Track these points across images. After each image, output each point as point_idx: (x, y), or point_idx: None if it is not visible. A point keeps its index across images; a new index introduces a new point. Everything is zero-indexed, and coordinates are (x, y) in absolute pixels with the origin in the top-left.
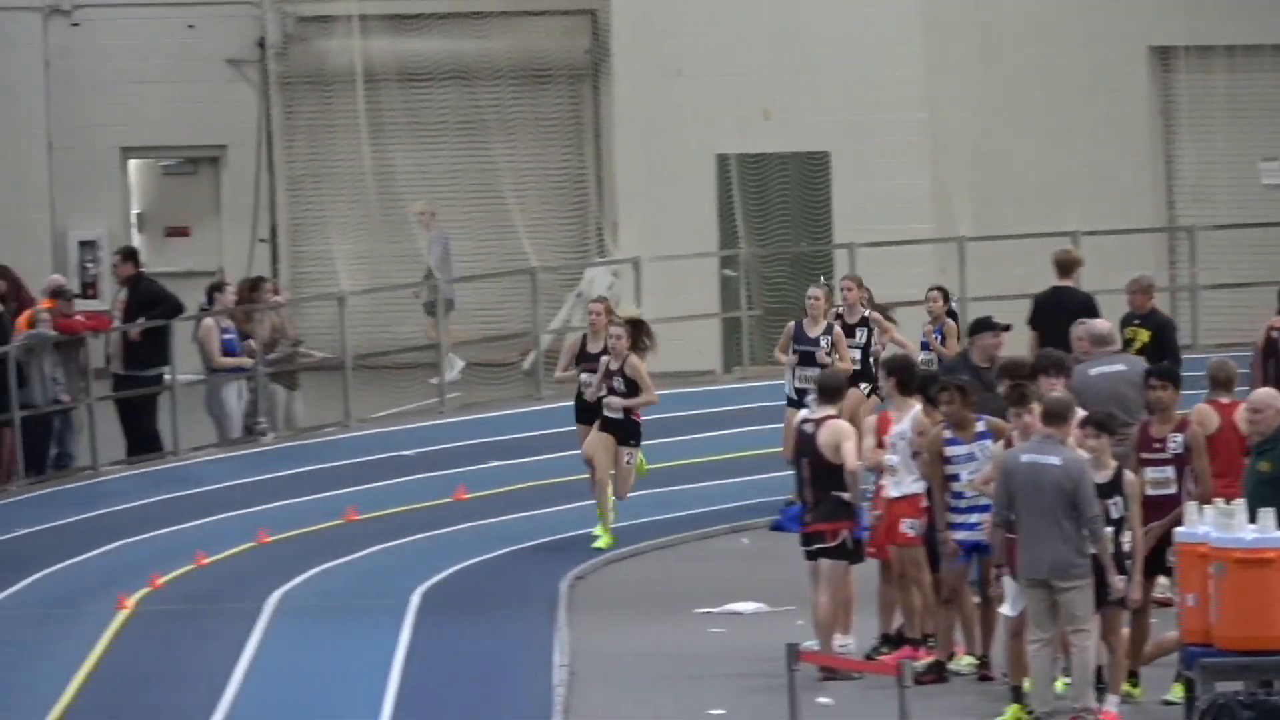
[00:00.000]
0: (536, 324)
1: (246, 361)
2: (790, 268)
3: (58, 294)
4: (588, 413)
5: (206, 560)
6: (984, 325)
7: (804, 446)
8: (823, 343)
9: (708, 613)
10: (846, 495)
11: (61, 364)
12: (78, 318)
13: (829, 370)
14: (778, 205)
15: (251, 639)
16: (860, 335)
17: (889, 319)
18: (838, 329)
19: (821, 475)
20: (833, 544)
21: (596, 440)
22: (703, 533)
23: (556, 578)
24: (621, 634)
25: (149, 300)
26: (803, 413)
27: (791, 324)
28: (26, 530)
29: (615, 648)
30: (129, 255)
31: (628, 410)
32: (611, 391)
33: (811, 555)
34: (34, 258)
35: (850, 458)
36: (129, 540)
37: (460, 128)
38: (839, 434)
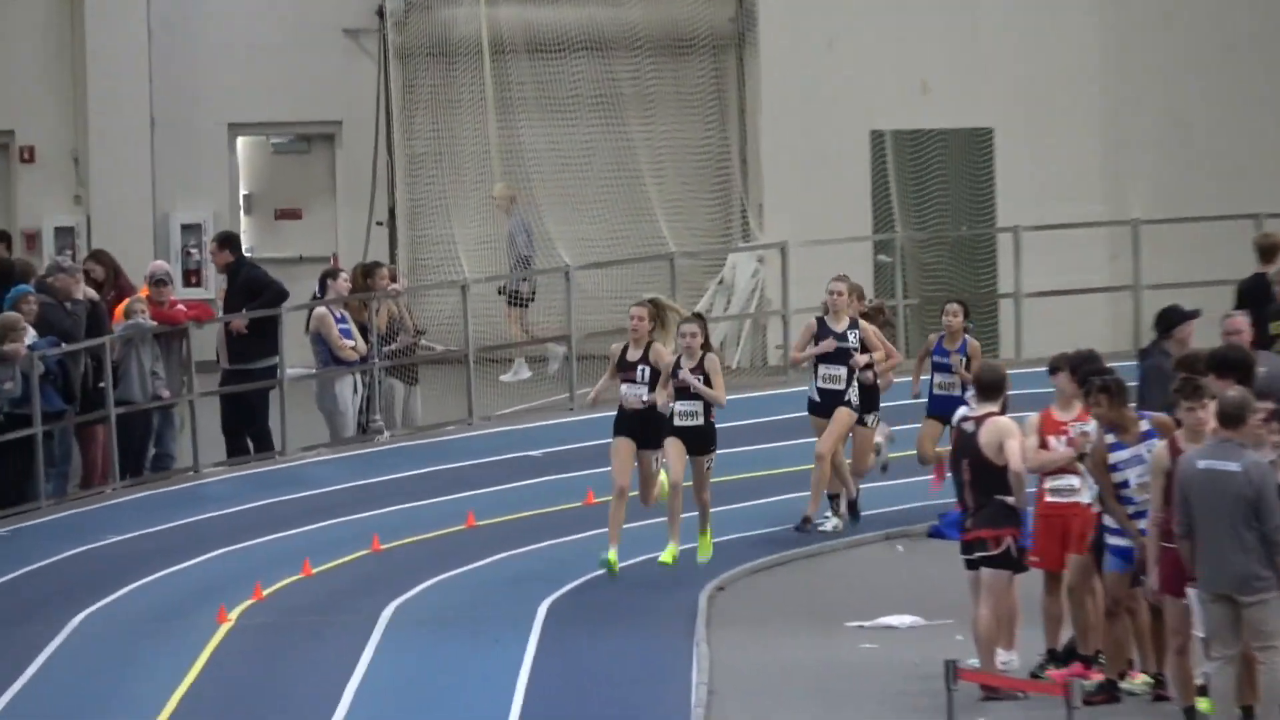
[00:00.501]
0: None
1: (363, 351)
2: (950, 253)
3: (158, 282)
4: (628, 424)
5: (314, 570)
6: (1179, 315)
7: (963, 446)
8: (850, 338)
9: (859, 626)
10: (1010, 499)
11: (162, 357)
12: (178, 307)
13: (989, 364)
14: (937, 185)
15: (363, 655)
16: (850, 341)
17: (887, 325)
18: (864, 323)
19: (983, 477)
20: (995, 552)
21: (673, 449)
22: (853, 540)
23: (696, 588)
24: (765, 649)
25: (251, 288)
26: (961, 410)
27: (813, 320)
28: (121, 537)
29: (758, 664)
30: (226, 241)
31: (706, 409)
32: (689, 395)
33: (972, 564)
34: (134, 243)
35: (1015, 458)
36: (231, 548)
37: (594, 103)
38: (1002, 432)
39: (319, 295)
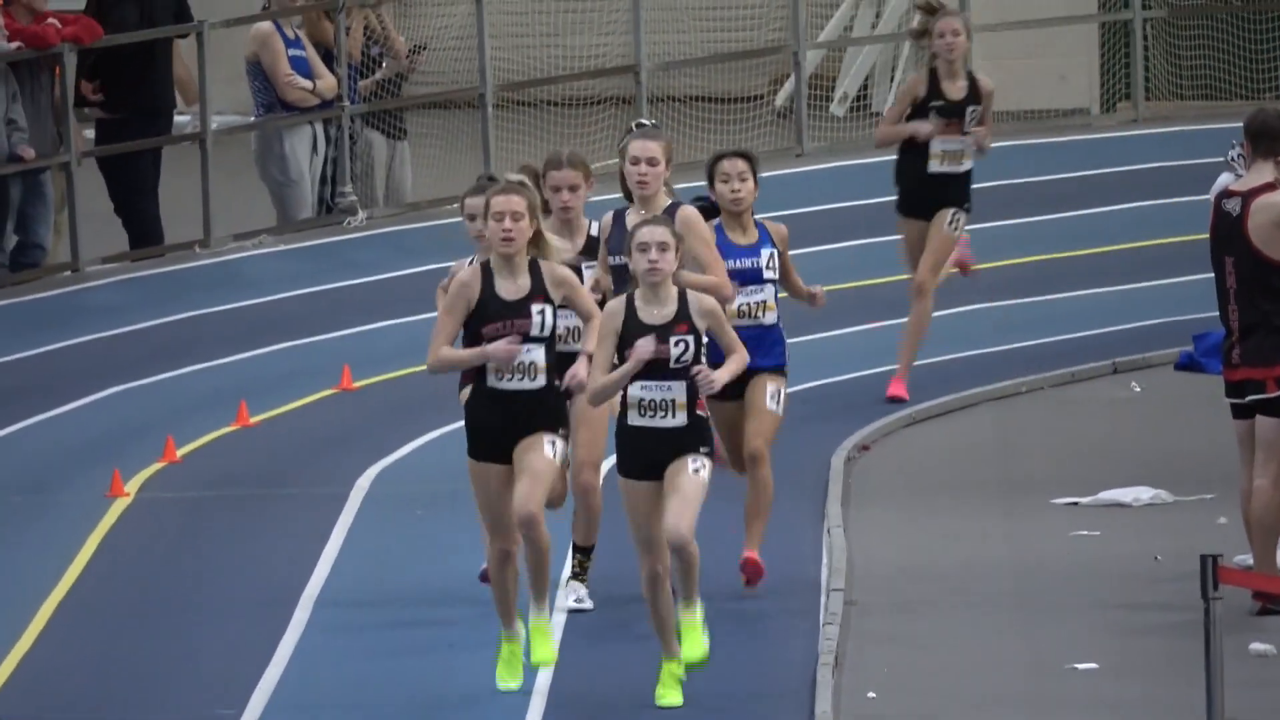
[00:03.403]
0: (798, 32)
1: (327, 91)
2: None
3: None
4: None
5: (254, 418)
6: None
7: (1225, 236)
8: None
9: (1072, 504)
10: None
11: (23, 99)
12: (50, 22)
13: (1264, 110)
14: None
15: (326, 549)
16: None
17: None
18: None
19: (1255, 284)
20: (1277, 394)
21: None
22: (1064, 374)
23: (826, 447)
24: (928, 538)
25: None
26: (1221, 180)
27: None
28: None
29: (918, 560)
30: None
31: None
32: None
33: (1243, 411)
34: None
35: None
36: (129, 384)
37: None
38: None
39: (268, 5)
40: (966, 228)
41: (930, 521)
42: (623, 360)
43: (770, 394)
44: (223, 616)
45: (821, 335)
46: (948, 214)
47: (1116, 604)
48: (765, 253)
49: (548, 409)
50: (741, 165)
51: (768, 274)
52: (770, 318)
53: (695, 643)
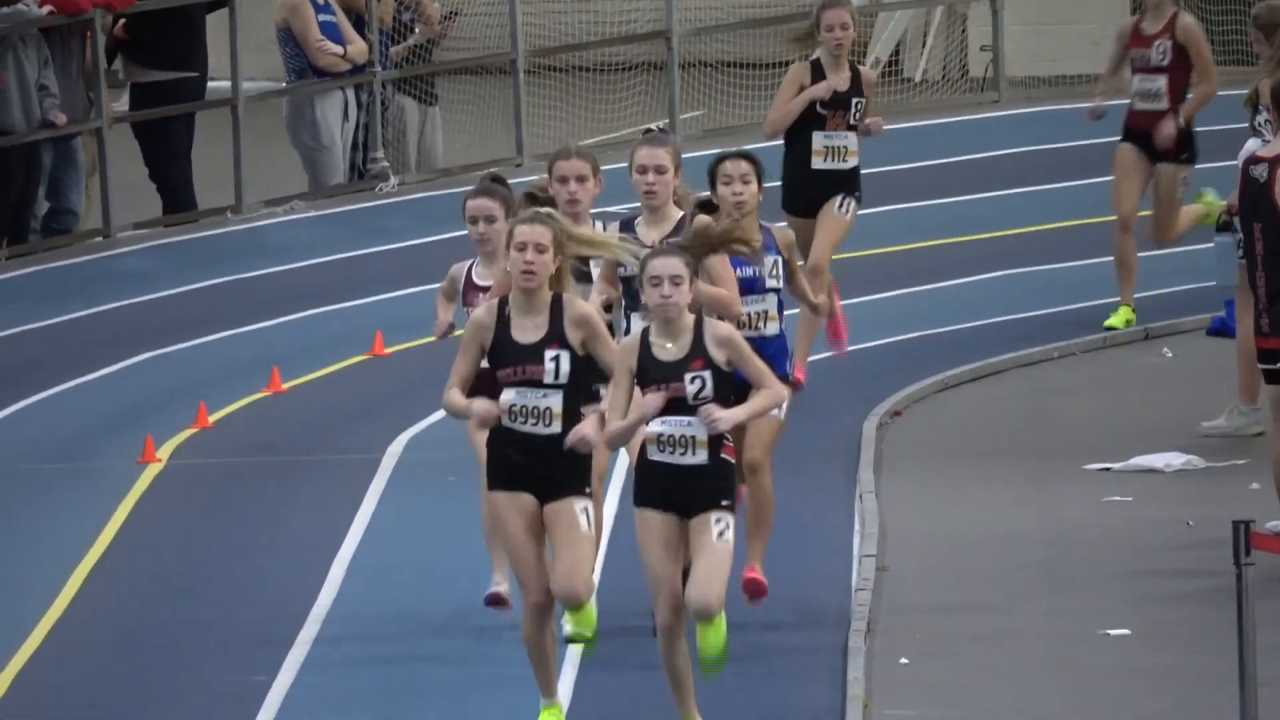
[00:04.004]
0: None
1: (358, 56)
2: None
3: None
4: None
5: (286, 384)
6: None
7: (1252, 202)
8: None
9: (1104, 469)
10: None
11: (55, 64)
12: None
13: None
14: None
15: (358, 517)
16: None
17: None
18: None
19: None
20: None
21: None
22: (1095, 340)
23: (858, 413)
24: (959, 504)
25: None
26: (1249, 146)
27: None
28: None
29: (948, 527)
30: None
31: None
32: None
33: (1276, 376)
34: None
35: None
36: (161, 351)
37: None
38: None
39: None
40: (839, 304)
41: (962, 487)
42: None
43: None
44: (256, 582)
45: (852, 301)
46: (837, 199)
47: (1148, 570)
48: (768, 260)
49: (571, 456)
50: (745, 167)
51: (770, 282)
52: (773, 328)
53: (715, 634)
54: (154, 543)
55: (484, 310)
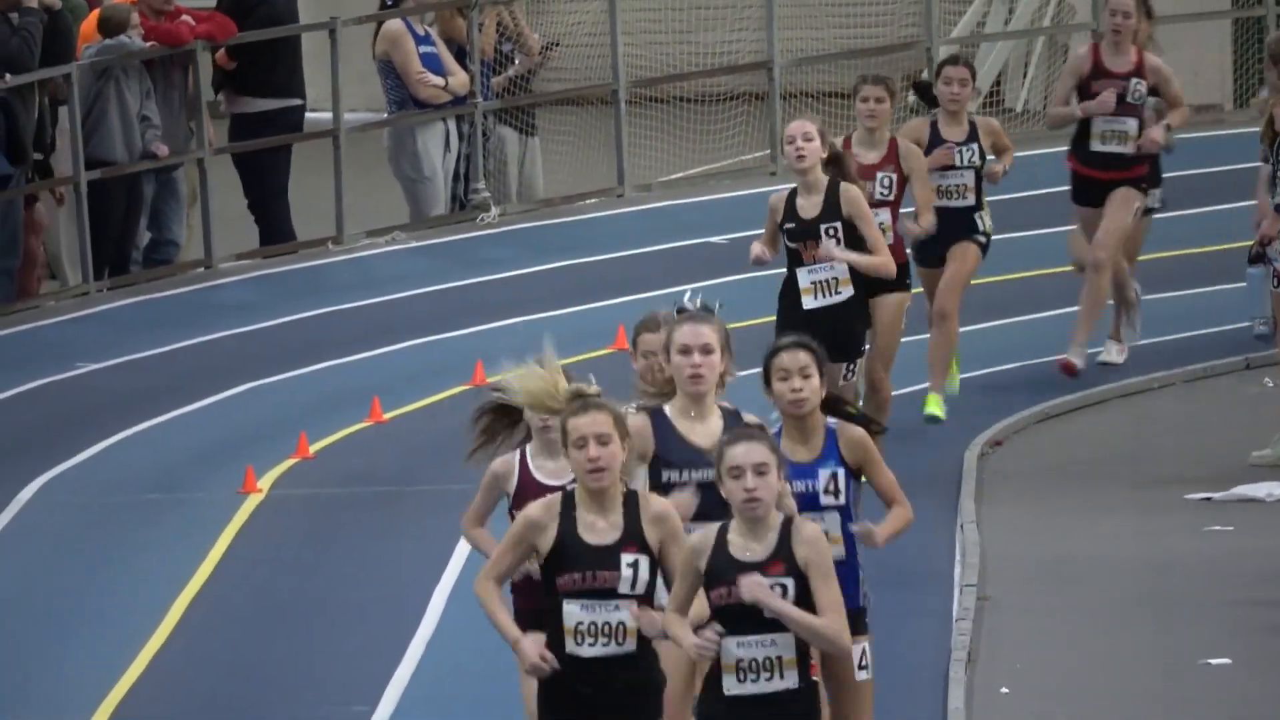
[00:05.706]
0: (931, 28)
1: (459, 88)
2: None
3: None
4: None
5: (387, 414)
6: None
7: None
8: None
9: (1205, 499)
10: None
11: (157, 95)
12: (184, 19)
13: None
14: None
15: (457, 547)
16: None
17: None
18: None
19: None
20: None
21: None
22: (1196, 369)
23: (959, 443)
24: (1059, 533)
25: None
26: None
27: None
28: (96, 365)
29: (1050, 556)
30: None
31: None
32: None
33: None
34: None
35: None
36: (262, 381)
37: None
38: None
39: (389, 3)
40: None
41: (1063, 517)
42: (711, 604)
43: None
44: (356, 612)
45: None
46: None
47: (1250, 600)
48: (824, 473)
49: (646, 686)
50: (804, 359)
51: (826, 499)
52: (837, 551)
53: None
54: (254, 573)
55: (542, 507)
